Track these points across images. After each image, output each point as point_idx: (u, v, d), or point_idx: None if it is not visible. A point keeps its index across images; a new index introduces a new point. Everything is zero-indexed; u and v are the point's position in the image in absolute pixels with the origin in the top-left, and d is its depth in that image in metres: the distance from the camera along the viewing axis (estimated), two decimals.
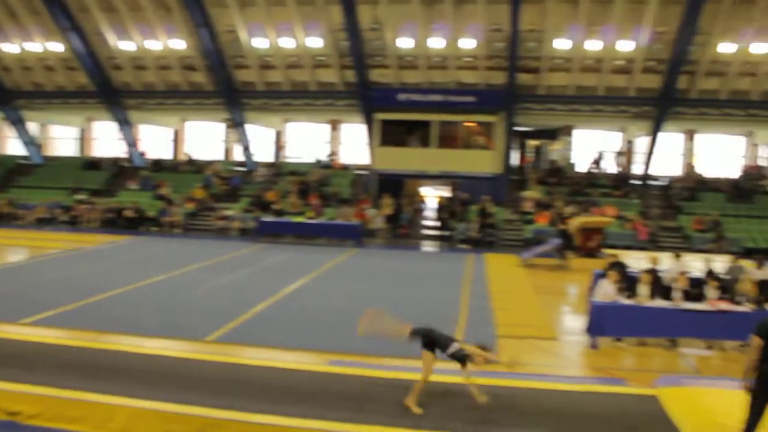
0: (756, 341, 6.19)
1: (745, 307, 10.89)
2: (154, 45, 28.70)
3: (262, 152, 33.28)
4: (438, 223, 26.52)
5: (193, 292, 14.36)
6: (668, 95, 26.08)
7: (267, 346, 10.45)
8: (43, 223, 27.63)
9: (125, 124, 31.76)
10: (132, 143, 32.66)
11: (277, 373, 8.72)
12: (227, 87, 29.23)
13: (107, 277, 15.66)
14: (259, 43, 27.86)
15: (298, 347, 10.44)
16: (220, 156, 34.26)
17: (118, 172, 32.42)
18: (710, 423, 7.09)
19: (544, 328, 12.27)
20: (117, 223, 26.88)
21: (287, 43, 27.64)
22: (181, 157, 34.12)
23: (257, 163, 31.83)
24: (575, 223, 21.35)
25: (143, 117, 32.83)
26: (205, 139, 35.36)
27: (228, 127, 33.28)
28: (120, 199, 28.75)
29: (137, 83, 30.65)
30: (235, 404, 7.37)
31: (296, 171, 30.70)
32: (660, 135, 27.48)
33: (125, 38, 28.71)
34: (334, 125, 33.19)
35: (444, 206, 26.76)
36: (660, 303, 11.13)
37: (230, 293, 14.54)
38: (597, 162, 30.07)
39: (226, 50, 28.40)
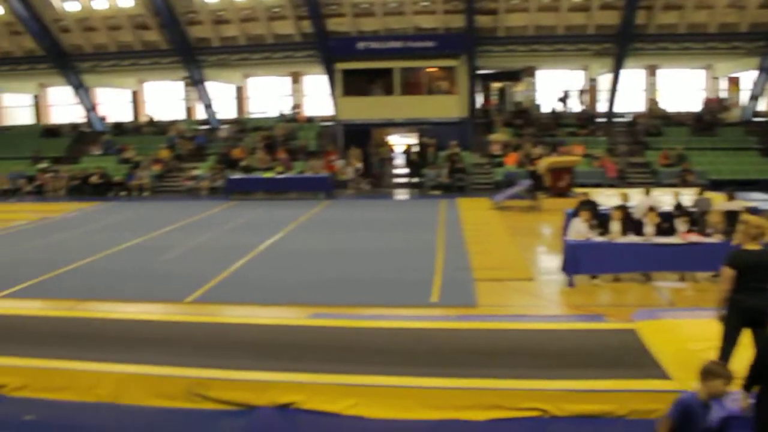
0: (727, 272, 6.32)
1: (715, 239, 11.12)
2: (100, 4, 27.75)
3: (225, 109, 32.76)
4: (408, 171, 26.48)
5: (168, 255, 14.24)
6: (627, 31, 26.05)
7: (247, 303, 10.48)
8: (7, 194, 27.04)
9: (81, 89, 30.90)
10: (90, 108, 31.85)
11: (258, 330, 8.74)
12: (182, 45, 28.52)
13: (80, 245, 15.46)
14: None
15: (279, 302, 10.47)
16: (182, 115, 33.63)
17: (79, 138, 31.64)
18: (687, 352, 7.27)
19: (520, 270, 12.42)
20: (83, 189, 26.37)
21: None
22: (143, 119, 33.41)
23: (220, 121, 31.36)
24: (544, 163, 21.49)
25: (99, 80, 31.89)
26: (165, 99, 34.63)
27: (187, 85, 32.60)
28: (84, 166, 28.14)
29: (88, 45, 29.70)
30: (219, 363, 7.37)
31: (261, 126, 30.32)
32: (622, 72, 27.53)
33: None
34: (296, 77, 32.70)
35: (412, 153, 26.70)
36: (632, 238, 11.33)
37: (206, 253, 14.46)
38: (563, 100, 30.16)
39: (176, 6, 27.59)
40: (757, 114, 28.59)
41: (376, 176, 26.46)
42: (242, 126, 30.62)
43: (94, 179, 26.41)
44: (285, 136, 28.69)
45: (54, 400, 7.11)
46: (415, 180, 25.93)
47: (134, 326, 9.04)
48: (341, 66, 27.38)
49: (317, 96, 32.22)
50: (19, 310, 10.07)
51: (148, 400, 6.98)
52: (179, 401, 6.92)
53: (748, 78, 28.84)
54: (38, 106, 35.44)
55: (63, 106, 34.73)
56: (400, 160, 27.48)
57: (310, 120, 31.06)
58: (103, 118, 32.73)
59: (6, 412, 6.99)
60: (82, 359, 7.55)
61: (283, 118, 30.88)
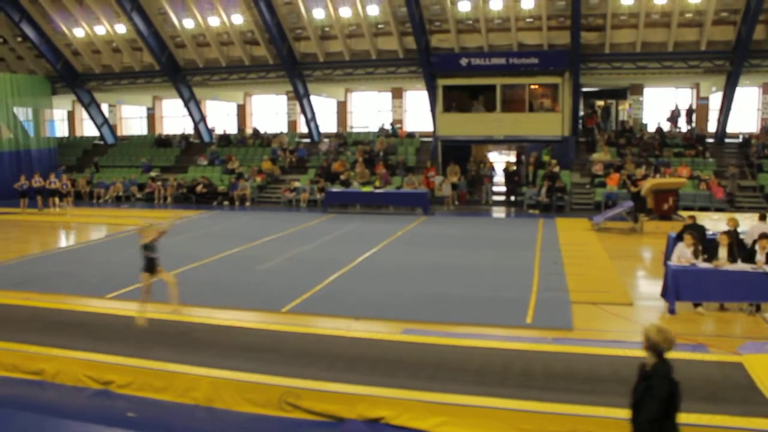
0: None
1: None
2: (214, 21, 29.00)
3: (326, 123, 33.42)
4: (506, 189, 26.19)
5: (265, 265, 14.63)
6: (744, 47, 24.86)
7: (341, 316, 10.58)
8: (120, 200, 28.60)
9: (191, 101, 32.29)
10: (199, 119, 33.21)
11: (351, 343, 8.85)
12: (288, 59, 29.30)
13: (183, 251, 16.08)
14: (318, 13, 27.79)
15: (373, 316, 10.54)
16: (284, 128, 34.56)
17: (187, 149, 33.11)
18: None
19: (619, 294, 12.04)
20: (190, 198, 27.54)
21: (345, 12, 27.52)
22: (247, 131, 34.55)
23: (322, 134, 32.01)
24: (647, 185, 20.78)
25: (208, 93, 33.33)
26: (269, 112, 35.72)
27: (290, 99, 33.48)
28: (191, 175, 29.39)
29: (200, 60, 31.06)
30: (311, 373, 7.51)
31: (361, 141, 30.75)
32: (735, 90, 26.27)
33: (186, 16, 29.10)
34: (397, 93, 33.02)
35: (511, 171, 26.39)
36: (741, 266, 10.77)
37: (303, 264, 14.75)
38: (673, 120, 29.11)
39: (284, 22, 28.47)
40: None
41: (461, 195, 26.22)
42: (343, 140, 31.14)
43: (199, 188, 27.48)
44: (385, 150, 28.97)
45: (154, 399, 7.45)
46: (514, 198, 25.61)
47: (231, 333, 9.34)
48: (443, 82, 27.41)
49: (418, 111, 32.42)
50: (126, 311, 10.60)
51: (240, 405, 7.20)
52: (271, 409, 7.09)
53: None
54: (152, 118, 37.38)
55: (174, 117, 36.49)
56: (499, 177, 27.19)
57: (410, 135, 31.24)
58: (211, 130, 34.09)
59: (112, 407, 7.37)
60: (180, 362, 7.87)
61: (383, 132, 31.20)
